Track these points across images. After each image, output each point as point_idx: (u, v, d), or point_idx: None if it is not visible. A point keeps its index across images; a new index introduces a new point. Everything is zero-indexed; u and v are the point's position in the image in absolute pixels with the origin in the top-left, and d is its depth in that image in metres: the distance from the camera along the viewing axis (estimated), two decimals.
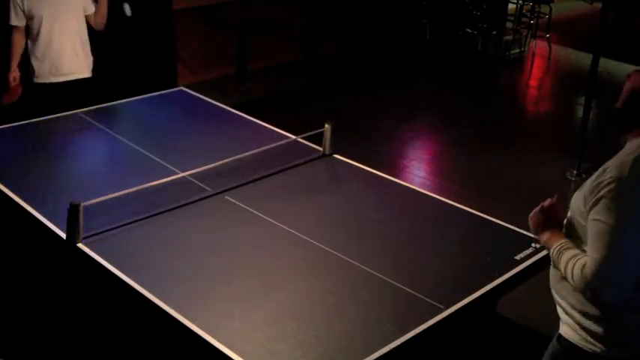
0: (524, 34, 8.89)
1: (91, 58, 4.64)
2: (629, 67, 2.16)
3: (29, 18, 4.39)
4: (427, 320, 2.51)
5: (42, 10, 4.36)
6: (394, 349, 2.37)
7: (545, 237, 2.28)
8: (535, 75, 8.53)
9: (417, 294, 2.67)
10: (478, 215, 3.30)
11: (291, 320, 2.51)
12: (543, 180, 5.55)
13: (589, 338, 2.18)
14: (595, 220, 2.08)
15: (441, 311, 2.57)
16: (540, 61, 8.70)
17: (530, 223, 2.34)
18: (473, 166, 5.74)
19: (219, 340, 2.37)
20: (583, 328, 2.19)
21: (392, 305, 2.63)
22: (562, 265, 2.18)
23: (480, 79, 8.08)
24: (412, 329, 2.46)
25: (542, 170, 5.72)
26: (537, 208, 2.32)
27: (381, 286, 2.72)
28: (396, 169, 5.54)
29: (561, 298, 2.25)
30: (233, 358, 2.30)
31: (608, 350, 2.17)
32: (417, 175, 5.56)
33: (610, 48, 6.79)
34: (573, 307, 2.21)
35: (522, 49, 8.91)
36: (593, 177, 2.15)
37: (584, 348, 2.19)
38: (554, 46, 8.70)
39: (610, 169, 2.09)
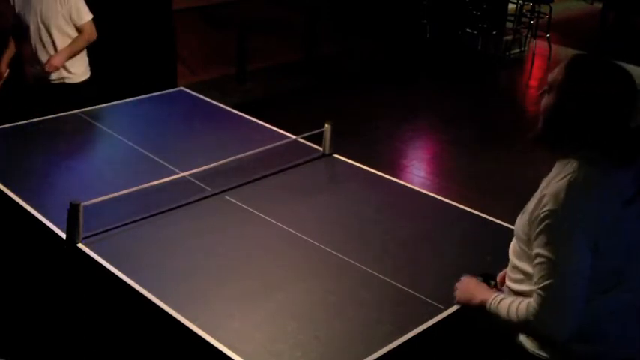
0: (524, 34, 8.89)
1: (85, 61, 4.64)
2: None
3: (17, 24, 4.42)
4: (427, 320, 2.51)
5: (28, 20, 4.39)
6: (394, 349, 2.37)
7: (478, 299, 2.30)
8: (535, 75, 8.53)
9: (417, 294, 2.67)
10: (478, 215, 3.30)
11: (291, 320, 2.51)
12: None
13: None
14: (538, 254, 2.04)
15: (441, 311, 2.56)
16: (540, 61, 8.71)
17: (460, 293, 2.41)
18: (473, 166, 5.74)
19: (219, 340, 2.37)
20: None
21: (392, 305, 2.63)
22: (503, 312, 2.15)
23: (480, 79, 8.08)
24: (412, 329, 2.46)
25: (542, 170, 5.71)
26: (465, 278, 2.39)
27: (381, 286, 2.72)
28: (396, 169, 5.54)
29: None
30: (233, 358, 2.30)
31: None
32: (417, 175, 5.56)
33: (610, 48, 6.79)
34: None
35: (522, 49, 8.92)
36: (532, 205, 2.10)
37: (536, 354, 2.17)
38: (554, 46, 8.70)
39: (545, 200, 2.03)
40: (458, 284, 2.47)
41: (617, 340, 2.12)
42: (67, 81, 4.57)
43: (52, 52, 4.45)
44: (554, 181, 2.07)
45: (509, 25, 8.90)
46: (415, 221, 3.27)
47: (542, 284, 2.02)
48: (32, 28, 4.40)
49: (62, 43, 4.46)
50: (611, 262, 2.06)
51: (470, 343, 2.77)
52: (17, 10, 4.40)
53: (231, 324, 2.48)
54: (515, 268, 2.22)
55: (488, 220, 3.26)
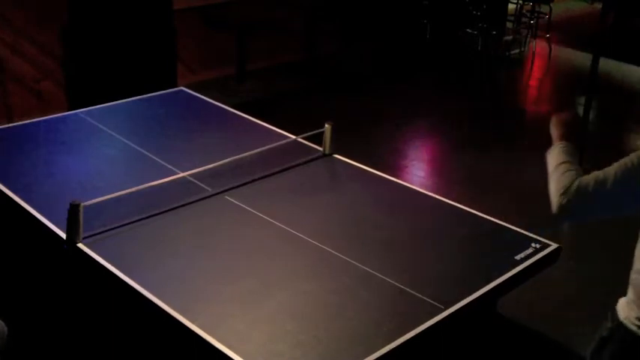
0: (524, 34, 8.89)
1: None
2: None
3: None
4: (427, 320, 2.51)
5: None
6: (394, 349, 2.37)
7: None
8: (535, 75, 8.53)
9: (417, 294, 2.67)
10: (478, 215, 3.30)
11: (291, 320, 2.52)
12: (543, 180, 5.54)
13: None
14: None
15: (441, 311, 2.57)
16: (540, 61, 8.70)
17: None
18: (473, 166, 5.74)
19: (219, 340, 2.37)
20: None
21: (392, 305, 2.63)
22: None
23: (480, 79, 8.08)
24: (412, 329, 2.46)
25: (543, 170, 5.72)
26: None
27: (381, 286, 2.72)
28: (396, 169, 5.53)
29: None
30: (233, 358, 2.30)
31: None
32: (417, 175, 5.56)
33: (610, 48, 6.78)
34: None
35: (522, 49, 8.91)
36: None
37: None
38: (554, 46, 8.69)
39: None
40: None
41: None
42: None
43: None
44: None
45: (509, 25, 8.89)
46: (415, 221, 3.27)
47: None
48: None
49: None
50: None
51: (470, 343, 2.77)
52: None
53: (231, 324, 2.48)
54: None
55: (488, 220, 3.26)
